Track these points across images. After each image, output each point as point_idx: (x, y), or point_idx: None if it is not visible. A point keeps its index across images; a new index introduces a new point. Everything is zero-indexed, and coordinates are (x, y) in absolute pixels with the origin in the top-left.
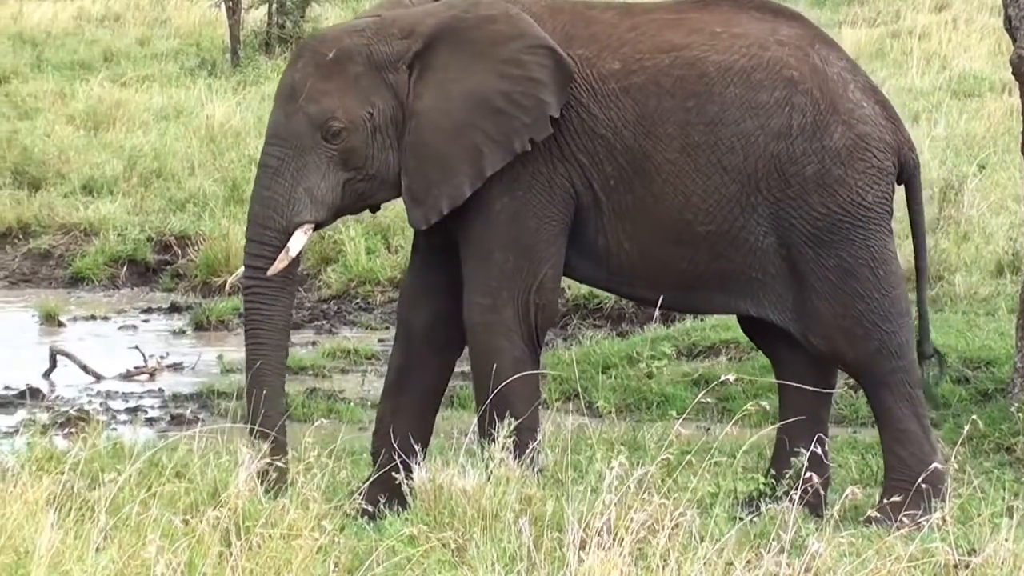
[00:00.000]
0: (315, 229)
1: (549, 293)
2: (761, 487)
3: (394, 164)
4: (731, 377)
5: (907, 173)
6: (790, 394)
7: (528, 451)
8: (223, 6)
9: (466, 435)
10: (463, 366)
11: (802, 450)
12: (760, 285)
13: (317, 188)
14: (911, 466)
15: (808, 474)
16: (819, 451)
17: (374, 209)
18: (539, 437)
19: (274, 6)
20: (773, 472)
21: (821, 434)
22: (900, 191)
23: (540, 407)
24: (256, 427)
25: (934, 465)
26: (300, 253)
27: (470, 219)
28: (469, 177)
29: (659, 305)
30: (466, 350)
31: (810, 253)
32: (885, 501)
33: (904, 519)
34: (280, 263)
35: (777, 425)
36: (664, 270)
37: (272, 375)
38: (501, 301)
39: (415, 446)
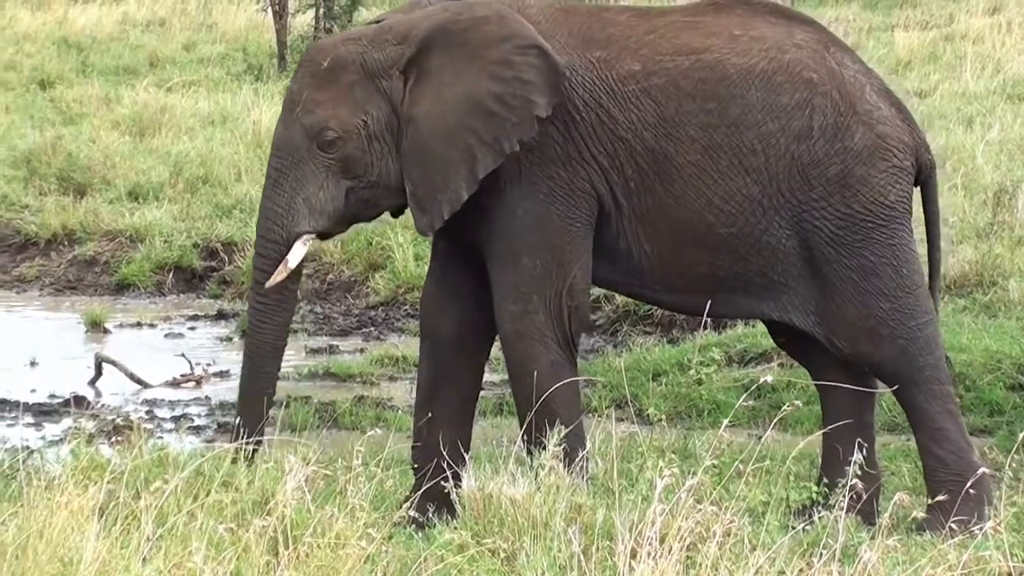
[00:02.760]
0: (323, 238)
1: (580, 295)
2: (813, 495)
3: (395, 171)
4: (768, 378)
5: (924, 174)
6: (830, 398)
7: (578, 458)
8: (270, 11)
9: (515, 443)
10: (505, 374)
11: (849, 456)
12: (783, 288)
13: (316, 198)
14: (950, 464)
15: (854, 481)
16: (861, 457)
17: (395, 214)
18: (584, 439)
19: (321, 10)
20: (826, 480)
21: (866, 438)
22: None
23: (582, 409)
24: (238, 437)
25: (981, 470)
26: (300, 265)
27: (494, 225)
28: (465, 180)
29: (679, 309)
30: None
31: (832, 254)
32: (932, 502)
33: (955, 523)
34: (279, 275)
35: (820, 432)
36: (685, 273)
37: (260, 390)
38: (532, 306)
39: (461, 455)
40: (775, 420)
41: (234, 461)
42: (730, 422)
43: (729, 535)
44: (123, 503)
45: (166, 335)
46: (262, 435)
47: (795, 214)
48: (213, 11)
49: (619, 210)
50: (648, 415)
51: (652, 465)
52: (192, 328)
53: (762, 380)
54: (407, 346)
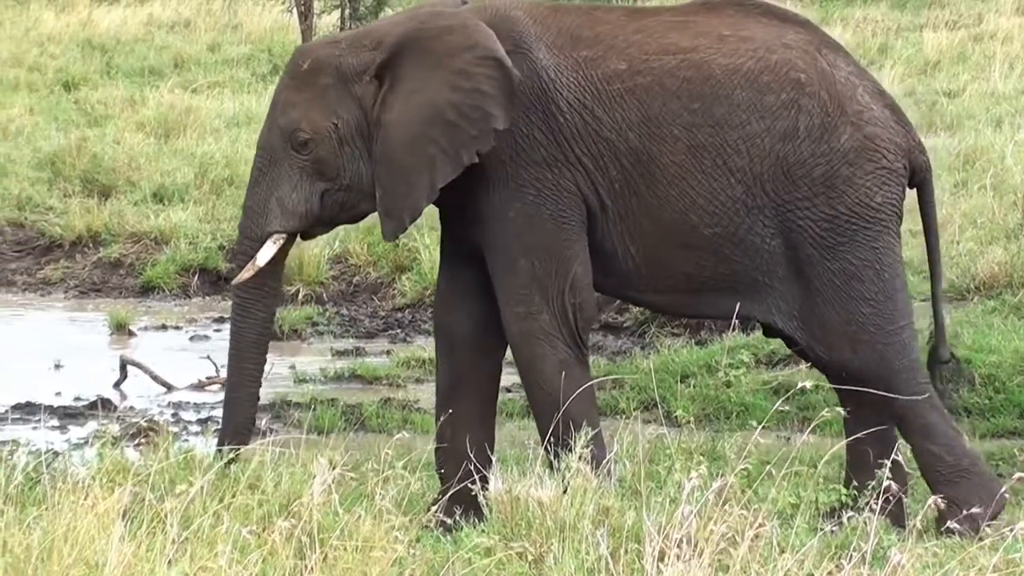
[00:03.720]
0: (304, 238)
1: (583, 291)
2: (842, 498)
3: (367, 175)
4: (808, 384)
5: (919, 176)
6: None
7: (603, 461)
8: (295, 11)
9: (542, 445)
10: None
11: (874, 456)
12: (767, 289)
13: (289, 198)
14: (944, 457)
15: (887, 483)
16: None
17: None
18: (600, 437)
19: (347, 11)
20: (855, 483)
21: (889, 438)
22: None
23: (596, 405)
24: (223, 433)
25: (976, 452)
26: (278, 264)
27: (488, 228)
28: (425, 190)
29: (665, 310)
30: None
31: (815, 255)
32: (943, 499)
33: (976, 512)
34: (245, 272)
35: (844, 442)
36: (670, 274)
37: (241, 388)
38: (536, 307)
39: (487, 456)
40: (811, 426)
41: (225, 462)
42: (758, 424)
43: (758, 537)
44: (148, 506)
45: (191, 337)
46: (248, 433)
47: (779, 214)
48: (238, 12)
49: (604, 212)
50: (676, 417)
51: (680, 467)
52: (217, 330)
53: (799, 386)
54: (434, 348)
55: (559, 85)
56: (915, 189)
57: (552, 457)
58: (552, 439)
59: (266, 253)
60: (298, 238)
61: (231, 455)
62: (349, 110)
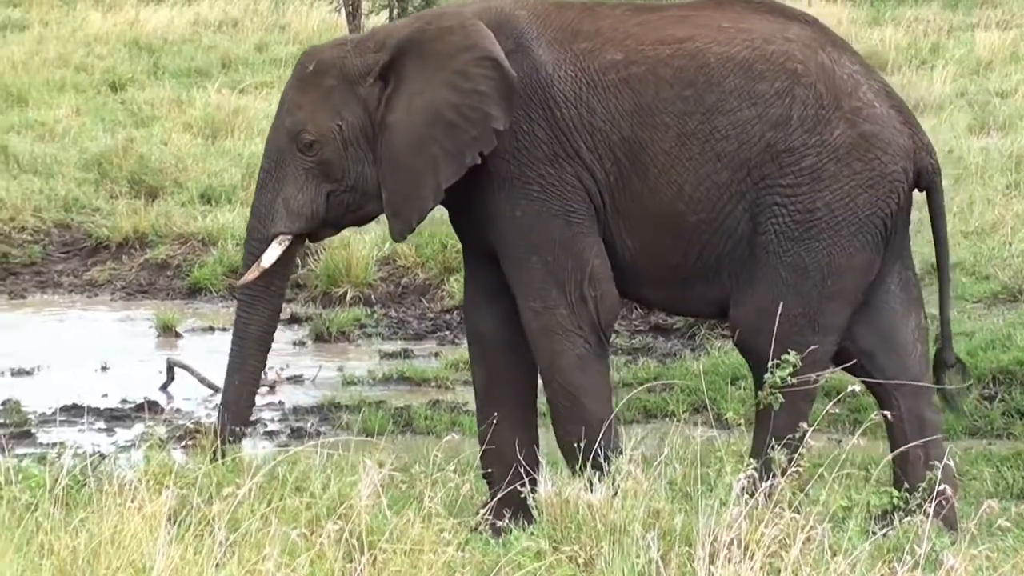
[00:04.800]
0: (313, 240)
1: (603, 283)
2: (894, 500)
3: (372, 176)
4: (858, 387)
5: (925, 179)
6: (881, 397)
7: (606, 453)
8: (343, 11)
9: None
10: None
11: (921, 455)
12: (730, 272)
13: (294, 199)
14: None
15: (943, 487)
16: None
17: (366, 220)
18: (615, 433)
19: (395, 11)
20: (907, 485)
21: (936, 440)
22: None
23: (612, 401)
24: (221, 427)
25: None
26: (285, 264)
27: (499, 228)
28: (431, 190)
29: (662, 306)
30: None
31: (773, 242)
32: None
33: None
34: (251, 273)
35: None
36: (662, 266)
37: (241, 384)
38: (553, 301)
39: (534, 457)
40: (862, 428)
41: (213, 457)
42: (809, 426)
43: (810, 540)
44: (196, 508)
45: None
46: (243, 432)
47: (759, 199)
48: (286, 12)
49: (603, 206)
50: (726, 419)
51: (731, 470)
52: None
53: (850, 389)
54: None
55: (557, 79)
56: (924, 192)
57: (566, 453)
58: (567, 433)
59: (271, 254)
60: (306, 240)
61: (224, 453)
62: (353, 111)
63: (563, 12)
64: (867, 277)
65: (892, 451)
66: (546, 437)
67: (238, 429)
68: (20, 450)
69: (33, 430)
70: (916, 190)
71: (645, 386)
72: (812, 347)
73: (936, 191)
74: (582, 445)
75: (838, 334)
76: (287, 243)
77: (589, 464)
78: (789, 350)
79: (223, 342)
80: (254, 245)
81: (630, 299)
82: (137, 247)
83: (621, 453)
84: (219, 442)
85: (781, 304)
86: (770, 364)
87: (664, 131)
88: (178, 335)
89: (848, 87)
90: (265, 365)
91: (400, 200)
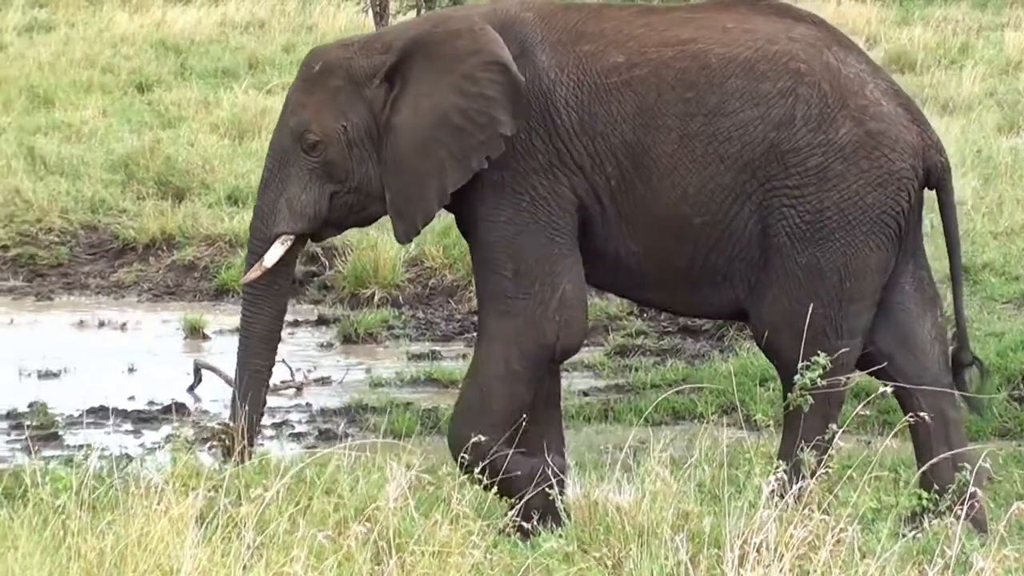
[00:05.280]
0: (316, 240)
1: (572, 309)
2: (924, 502)
3: (376, 178)
4: (888, 389)
5: (935, 177)
6: (902, 398)
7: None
8: (370, 11)
9: (621, 449)
10: (611, 379)
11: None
12: (742, 275)
13: (297, 200)
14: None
15: (973, 489)
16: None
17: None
18: (500, 456)
19: (422, 11)
20: (936, 487)
21: (957, 437)
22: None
23: (516, 427)
24: (232, 423)
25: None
26: (288, 264)
27: (479, 231)
28: (437, 193)
29: (668, 308)
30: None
31: (787, 245)
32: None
33: None
34: (252, 273)
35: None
36: (668, 269)
37: (250, 382)
38: (516, 309)
39: (562, 459)
40: (893, 431)
41: (227, 458)
42: (839, 428)
43: (840, 543)
44: (223, 510)
45: None
46: (254, 433)
47: (765, 199)
48: (313, 13)
49: (604, 213)
50: (755, 421)
51: (760, 472)
52: (292, 334)
53: (880, 390)
54: None
55: (558, 84)
56: (934, 190)
57: (454, 455)
58: (458, 433)
59: (273, 254)
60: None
61: (241, 455)
62: (359, 113)
63: (569, 14)
64: (884, 277)
65: (916, 452)
66: (574, 440)
67: (249, 432)
68: (47, 452)
69: (60, 432)
70: (926, 188)
71: (674, 388)
72: (838, 350)
73: (946, 189)
74: (466, 456)
75: (861, 336)
76: (289, 243)
77: (460, 470)
78: (811, 351)
79: None
80: (256, 244)
81: (636, 302)
82: (164, 248)
83: (490, 485)
84: (233, 443)
85: (801, 307)
86: (800, 366)
87: (667, 133)
88: (205, 337)
89: (854, 85)
90: (273, 363)
91: (404, 202)
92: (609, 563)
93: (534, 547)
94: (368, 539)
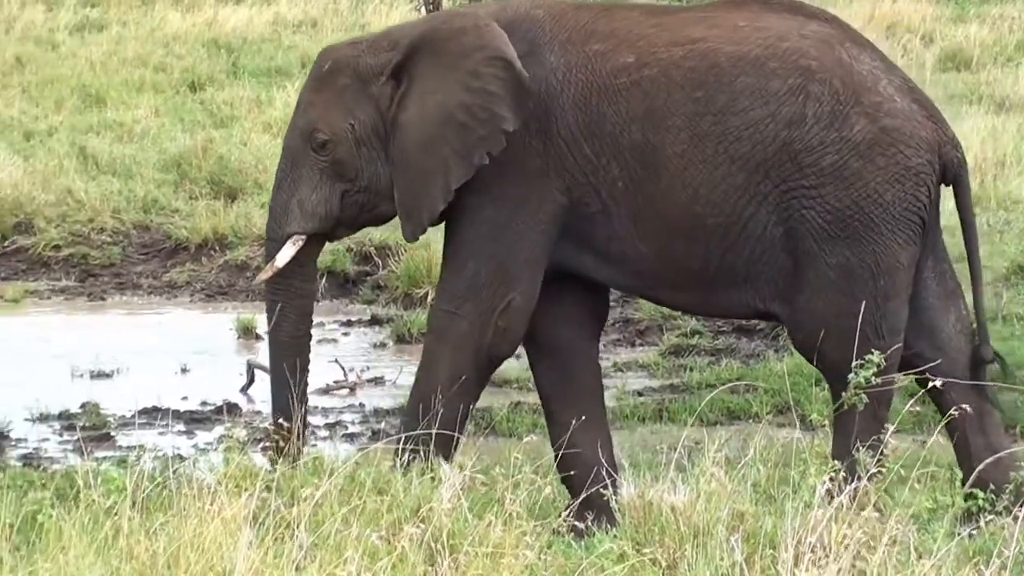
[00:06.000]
0: (331, 239)
1: (514, 319)
2: (981, 502)
3: (385, 176)
4: (939, 382)
5: (951, 172)
6: (935, 393)
7: (420, 461)
8: (423, 10)
9: (675, 450)
10: (665, 379)
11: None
12: (767, 279)
13: (308, 200)
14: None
15: None
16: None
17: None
18: (441, 461)
19: None
20: (992, 487)
21: (996, 431)
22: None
23: (460, 429)
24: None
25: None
26: (304, 264)
27: (455, 224)
28: (442, 191)
29: (683, 308)
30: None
31: (815, 247)
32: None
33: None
34: (264, 273)
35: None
36: (680, 269)
37: (282, 391)
38: (463, 312)
39: (613, 458)
40: (940, 425)
41: (272, 462)
42: (894, 427)
43: (895, 543)
44: (276, 511)
45: (319, 341)
46: (296, 433)
47: (783, 201)
48: (366, 11)
49: (608, 215)
50: (810, 421)
51: (815, 472)
52: (345, 334)
53: (931, 384)
54: None
55: (565, 85)
56: (950, 186)
57: (398, 453)
58: (404, 434)
59: (285, 254)
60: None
61: (294, 455)
62: (366, 111)
63: (580, 13)
64: (912, 272)
65: (955, 449)
66: (629, 439)
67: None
68: (99, 453)
69: (112, 433)
70: (943, 184)
71: (728, 386)
72: (883, 349)
73: (962, 184)
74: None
75: (900, 333)
76: (301, 243)
77: (404, 460)
78: (866, 353)
79: None
80: (271, 245)
81: (654, 302)
82: (216, 248)
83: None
84: (278, 445)
85: (839, 309)
86: (853, 365)
87: (676, 134)
88: (258, 337)
89: (868, 82)
90: (307, 364)
91: (411, 200)
92: (664, 563)
93: (588, 547)
94: (421, 540)
